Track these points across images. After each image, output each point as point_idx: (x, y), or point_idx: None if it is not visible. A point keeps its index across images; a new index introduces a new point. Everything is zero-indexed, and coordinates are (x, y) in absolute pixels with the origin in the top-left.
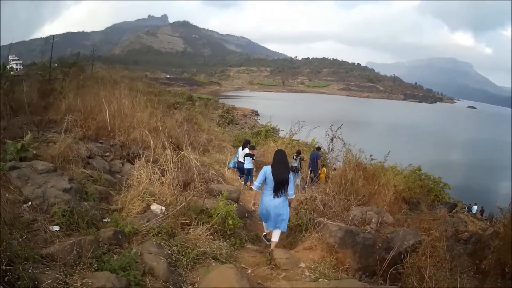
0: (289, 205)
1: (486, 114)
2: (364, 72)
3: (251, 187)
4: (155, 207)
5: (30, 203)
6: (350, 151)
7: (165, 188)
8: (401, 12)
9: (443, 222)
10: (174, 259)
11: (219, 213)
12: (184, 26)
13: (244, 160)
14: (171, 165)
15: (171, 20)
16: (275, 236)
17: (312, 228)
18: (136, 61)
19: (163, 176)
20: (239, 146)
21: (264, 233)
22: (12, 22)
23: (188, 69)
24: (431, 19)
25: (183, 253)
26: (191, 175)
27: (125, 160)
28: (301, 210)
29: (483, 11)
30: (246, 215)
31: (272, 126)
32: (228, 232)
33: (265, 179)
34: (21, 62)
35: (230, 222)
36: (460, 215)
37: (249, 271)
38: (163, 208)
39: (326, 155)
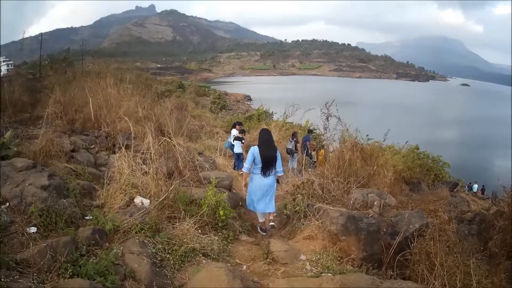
0: (277, 182)
1: (481, 92)
2: (355, 52)
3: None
4: (138, 200)
5: (8, 203)
6: (347, 129)
7: (148, 179)
8: None
9: (447, 202)
10: (159, 258)
11: (208, 204)
12: (172, 15)
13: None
14: (153, 152)
15: (158, 9)
16: (271, 214)
17: (311, 215)
18: (125, 52)
19: (146, 165)
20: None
21: (259, 223)
22: None
23: (178, 57)
24: None
25: (170, 251)
26: (176, 163)
27: (111, 152)
28: (298, 195)
29: None
30: (240, 203)
31: (264, 109)
32: (220, 224)
33: (253, 159)
34: (12, 62)
35: (221, 212)
36: (461, 195)
37: (244, 267)
38: (147, 200)
39: (322, 136)
